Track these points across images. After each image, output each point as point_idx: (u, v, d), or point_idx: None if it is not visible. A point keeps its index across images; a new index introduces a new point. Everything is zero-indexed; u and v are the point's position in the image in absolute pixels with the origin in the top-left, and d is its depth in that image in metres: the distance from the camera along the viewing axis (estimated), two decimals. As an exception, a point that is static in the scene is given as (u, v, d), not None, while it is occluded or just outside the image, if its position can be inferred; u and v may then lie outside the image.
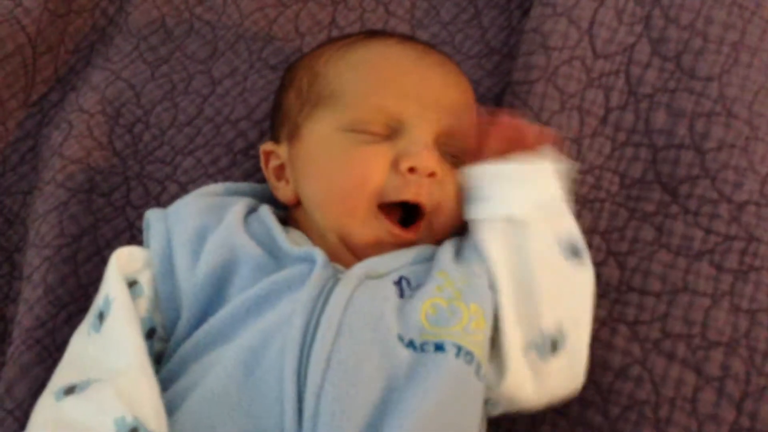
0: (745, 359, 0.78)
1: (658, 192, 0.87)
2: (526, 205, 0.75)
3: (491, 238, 0.74)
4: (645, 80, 0.92)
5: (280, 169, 0.85)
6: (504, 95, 0.98)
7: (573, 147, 0.91)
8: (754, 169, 0.84)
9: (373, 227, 0.76)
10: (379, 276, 0.73)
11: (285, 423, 0.64)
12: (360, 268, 0.72)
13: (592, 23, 0.95)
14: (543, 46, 0.95)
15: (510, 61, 1.05)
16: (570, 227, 0.77)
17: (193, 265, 0.75)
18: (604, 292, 0.84)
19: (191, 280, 0.74)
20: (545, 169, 0.77)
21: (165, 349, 0.75)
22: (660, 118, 0.90)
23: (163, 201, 0.98)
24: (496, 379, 0.72)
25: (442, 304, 0.70)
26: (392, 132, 0.77)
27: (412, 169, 0.75)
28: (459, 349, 0.68)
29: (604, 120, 0.92)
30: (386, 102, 0.78)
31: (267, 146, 0.87)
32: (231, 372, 0.66)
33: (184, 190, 0.98)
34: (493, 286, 0.73)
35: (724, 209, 0.83)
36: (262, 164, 0.87)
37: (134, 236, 0.96)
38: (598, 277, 0.85)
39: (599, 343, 0.81)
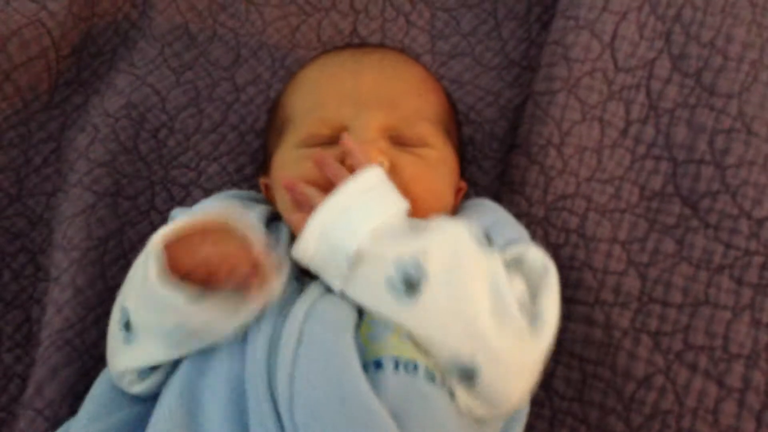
0: (765, 372, 0.80)
1: (678, 205, 0.89)
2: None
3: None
4: (665, 95, 0.94)
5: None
6: (525, 106, 1.00)
7: (593, 156, 0.93)
8: (773, 186, 0.86)
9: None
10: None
11: None
12: (318, 286, 0.72)
13: (614, 37, 0.97)
14: (565, 58, 0.97)
15: (530, 73, 1.07)
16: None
17: None
18: (625, 301, 0.86)
19: None
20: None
21: None
22: (680, 133, 0.91)
23: (187, 206, 0.99)
24: None
25: (376, 318, 0.70)
26: (337, 136, 0.79)
27: (351, 168, 0.74)
28: (396, 362, 0.67)
29: (624, 132, 0.94)
30: (326, 113, 0.81)
31: (263, 179, 0.91)
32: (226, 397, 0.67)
33: (208, 195, 0.99)
34: None
35: (744, 225, 0.85)
36: (265, 195, 0.90)
37: (159, 240, 0.97)
38: (619, 286, 0.87)
39: (623, 352, 0.83)
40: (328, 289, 0.71)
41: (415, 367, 0.66)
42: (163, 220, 0.97)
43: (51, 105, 1.09)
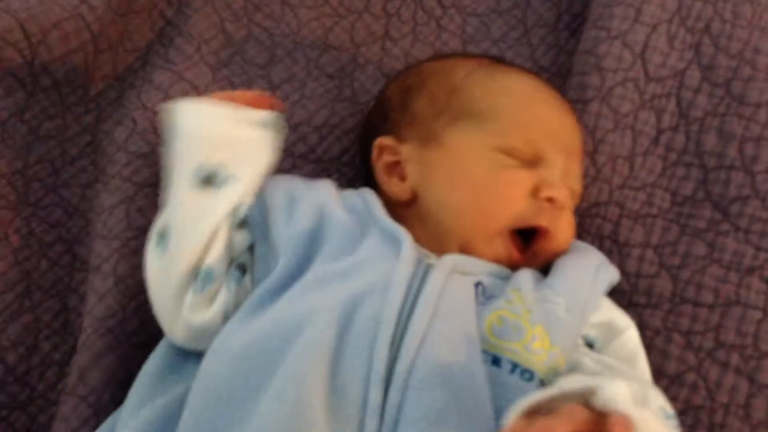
0: (794, 369, 0.83)
1: (709, 210, 0.92)
2: None
3: None
4: (695, 104, 0.97)
5: (394, 166, 0.88)
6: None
7: (626, 164, 0.96)
8: (801, 192, 0.90)
9: (497, 247, 0.81)
10: (464, 274, 0.77)
11: (370, 390, 0.66)
12: (450, 261, 0.76)
13: (645, 48, 1.00)
14: (597, 68, 1.00)
15: (559, 80, 1.09)
16: None
17: (287, 223, 0.80)
18: (657, 302, 0.88)
19: (287, 234, 0.79)
20: None
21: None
22: (710, 141, 0.95)
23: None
24: None
25: (509, 317, 0.73)
26: (532, 162, 0.83)
27: (550, 199, 0.81)
28: (515, 366, 0.70)
29: (656, 140, 0.97)
30: (536, 137, 0.84)
31: (385, 140, 0.89)
32: (324, 330, 0.68)
33: (244, 189, 1.00)
34: (575, 317, 0.76)
35: (773, 228, 0.88)
36: (374, 156, 0.89)
37: (196, 231, 0.99)
38: (651, 288, 0.90)
39: (655, 350, 0.86)
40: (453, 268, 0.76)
41: (531, 377, 0.70)
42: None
43: (87, 98, 1.11)
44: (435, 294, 0.72)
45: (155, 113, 1.05)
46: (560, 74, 1.10)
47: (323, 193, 0.84)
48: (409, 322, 0.69)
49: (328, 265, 0.76)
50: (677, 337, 0.86)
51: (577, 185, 0.88)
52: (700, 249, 0.90)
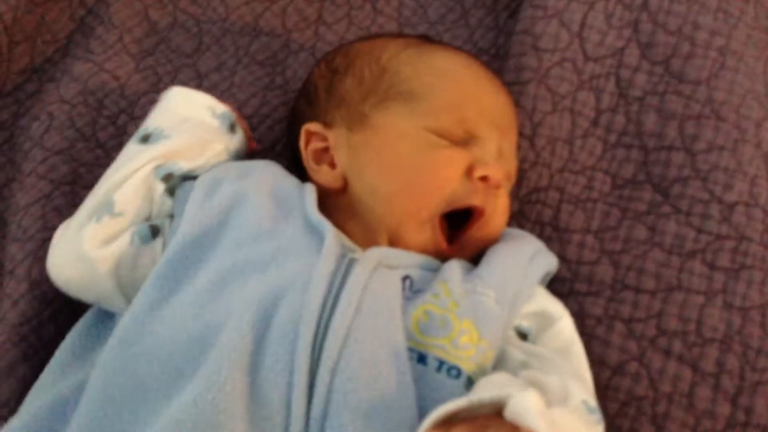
0: (739, 355, 0.80)
1: (650, 192, 0.89)
2: None
3: None
4: (635, 83, 0.94)
5: (322, 153, 0.83)
6: (494, 95, 0.99)
7: (565, 147, 0.93)
8: (742, 171, 0.87)
9: (425, 235, 0.77)
10: (390, 268, 0.73)
11: (293, 395, 0.63)
12: (376, 254, 0.73)
13: (582, 26, 0.96)
14: (534, 48, 0.96)
15: (498, 62, 1.05)
16: None
17: (201, 204, 0.76)
18: (598, 290, 0.85)
19: (192, 213, 0.75)
20: None
21: None
22: (650, 121, 0.92)
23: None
24: None
25: (435, 312, 0.70)
26: (465, 142, 0.80)
27: (484, 178, 0.77)
28: (441, 363, 0.68)
29: (595, 122, 0.94)
30: (468, 116, 0.80)
31: (313, 126, 0.84)
32: (241, 332, 0.65)
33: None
34: (504, 308, 0.73)
35: (715, 209, 0.86)
36: (302, 144, 0.84)
37: (119, 231, 0.94)
38: (592, 275, 0.87)
39: (596, 340, 0.83)
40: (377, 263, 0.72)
41: (458, 374, 0.67)
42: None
43: (3, 93, 1.05)
44: (357, 290, 0.68)
45: (73, 106, 1.00)
46: (499, 56, 1.06)
47: (254, 181, 0.79)
48: (331, 322, 0.66)
49: (238, 251, 0.71)
50: (619, 326, 0.83)
51: (511, 166, 0.84)
52: (641, 233, 0.87)
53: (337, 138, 0.83)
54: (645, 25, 0.96)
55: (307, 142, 0.85)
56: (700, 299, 0.83)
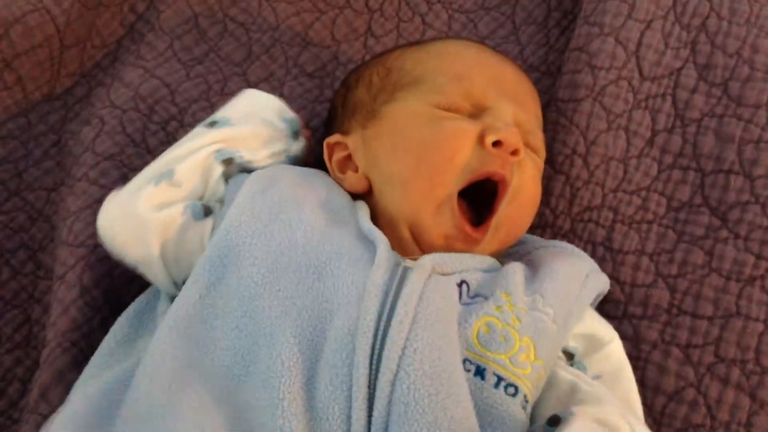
0: (798, 385, 0.79)
1: (707, 216, 0.88)
2: None
3: None
4: (692, 105, 0.93)
5: (345, 161, 0.84)
6: (547, 113, 0.98)
7: (620, 167, 0.92)
8: (803, 197, 0.86)
9: (444, 219, 0.75)
10: (444, 274, 0.72)
11: (353, 408, 0.62)
12: (429, 261, 0.72)
13: (639, 45, 0.96)
14: (589, 65, 0.96)
15: (548, 79, 1.05)
16: None
17: (250, 200, 0.75)
18: (654, 314, 0.84)
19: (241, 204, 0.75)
20: None
21: None
22: (708, 143, 0.90)
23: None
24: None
25: (497, 325, 0.69)
26: (476, 113, 0.79)
27: (497, 143, 0.75)
28: (499, 379, 0.67)
29: (650, 142, 0.93)
30: (472, 87, 0.80)
31: (333, 138, 0.85)
32: (294, 345, 0.65)
33: (218, 191, 0.95)
34: (560, 327, 0.72)
35: (774, 236, 0.84)
36: (326, 158, 0.85)
37: (167, 237, 0.93)
38: (647, 298, 0.85)
39: (652, 365, 0.82)
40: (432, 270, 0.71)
41: (516, 392, 0.66)
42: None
43: (53, 96, 1.05)
44: (413, 300, 0.67)
45: (124, 112, 0.99)
46: (550, 73, 1.06)
47: (309, 187, 0.79)
48: (388, 333, 0.65)
49: (292, 249, 0.71)
50: (675, 351, 0.82)
51: (535, 138, 0.82)
52: (699, 257, 0.86)
53: (354, 141, 0.83)
54: (703, 46, 0.95)
55: (330, 155, 0.85)
56: (759, 327, 0.81)
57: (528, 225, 0.81)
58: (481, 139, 0.75)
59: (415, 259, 0.72)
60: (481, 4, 1.12)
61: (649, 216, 0.89)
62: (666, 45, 0.96)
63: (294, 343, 0.65)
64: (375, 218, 0.78)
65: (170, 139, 0.99)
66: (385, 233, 0.75)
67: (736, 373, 0.80)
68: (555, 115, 0.96)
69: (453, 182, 0.75)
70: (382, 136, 0.80)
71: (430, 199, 0.75)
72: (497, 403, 0.66)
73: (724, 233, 0.86)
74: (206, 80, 1.04)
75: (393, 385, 0.63)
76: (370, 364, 0.64)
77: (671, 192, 0.90)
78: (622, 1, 0.97)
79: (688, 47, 0.95)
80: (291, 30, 1.09)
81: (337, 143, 0.85)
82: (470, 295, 0.72)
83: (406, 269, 0.70)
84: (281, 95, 1.03)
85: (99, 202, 0.92)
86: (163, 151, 0.98)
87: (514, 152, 0.76)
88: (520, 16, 1.11)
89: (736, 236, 0.86)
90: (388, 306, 0.67)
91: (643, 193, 0.91)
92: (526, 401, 0.68)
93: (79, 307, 0.86)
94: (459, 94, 0.79)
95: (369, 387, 0.63)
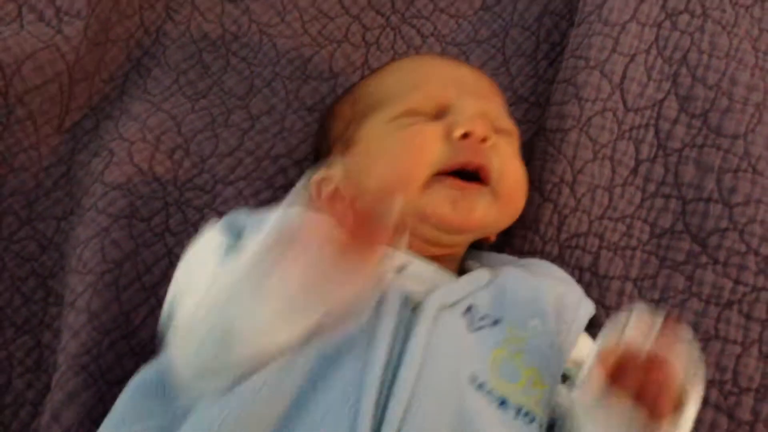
0: (774, 405, 0.83)
1: (688, 242, 0.91)
2: None
3: None
4: (673, 135, 0.97)
5: (335, 193, 0.86)
6: (535, 142, 1.02)
7: (605, 195, 0.96)
8: (779, 225, 0.90)
9: (437, 191, 0.78)
10: (451, 305, 0.74)
11: None
12: (434, 299, 0.73)
13: (623, 78, 1.00)
14: (576, 97, 1.00)
15: (537, 109, 1.09)
16: None
17: None
18: (637, 336, 0.88)
19: None
20: None
21: None
22: (689, 172, 0.94)
23: (201, 228, 0.99)
24: None
25: (507, 358, 0.72)
26: (440, 113, 0.83)
27: (465, 135, 0.79)
28: (518, 410, 0.69)
29: (634, 171, 0.97)
30: (431, 90, 0.84)
31: (318, 175, 0.86)
32: (299, 386, 0.66)
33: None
34: (556, 345, 0.75)
35: (751, 261, 0.88)
36: (314, 196, 0.86)
37: (172, 262, 0.96)
38: (631, 322, 0.89)
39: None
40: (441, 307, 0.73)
41: (533, 419, 0.69)
42: (177, 243, 0.98)
43: (62, 129, 1.10)
44: (420, 352, 0.68)
45: (132, 143, 1.04)
46: (539, 104, 1.10)
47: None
48: (393, 388, 0.66)
49: None
50: (657, 372, 0.85)
51: (505, 124, 0.86)
52: (679, 282, 0.90)
53: (337, 171, 0.85)
54: (684, 78, 0.99)
55: (318, 192, 0.85)
56: (737, 349, 0.85)
57: (523, 201, 0.85)
58: (448, 135, 0.79)
59: (419, 291, 0.74)
60: (472, 37, 1.17)
61: (633, 242, 0.93)
62: (649, 77, 1.00)
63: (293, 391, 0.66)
64: None
65: (176, 167, 1.03)
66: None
67: (714, 394, 0.84)
68: (543, 144, 1.00)
69: (425, 171, 0.78)
70: (357, 159, 0.84)
71: (409, 193, 0.77)
72: (519, 429, 0.69)
73: (703, 259, 0.90)
74: (210, 113, 1.09)
75: None
76: (374, 416, 0.65)
77: (654, 219, 0.94)
78: (606, 36, 1.02)
79: (670, 80, 1.00)
80: (291, 64, 1.14)
81: (321, 179, 0.86)
82: (480, 318, 0.75)
83: (412, 313, 0.72)
84: (283, 128, 1.08)
85: (107, 230, 0.97)
86: (168, 179, 1.03)
87: (484, 140, 0.80)
88: (510, 48, 1.15)
89: (715, 262, 0.89)
90: (395, 355, 0.68)
91: (628, 220, 0.95)
92: (541, 426, 0.71)
93: (88, 332, 0.90)
94: (420, 99, 0.83)
95: None
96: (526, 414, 0.69)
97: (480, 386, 0.69)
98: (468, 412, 0.66)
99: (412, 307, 0.73)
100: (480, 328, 0.73)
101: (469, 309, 0.75)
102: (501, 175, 0.81)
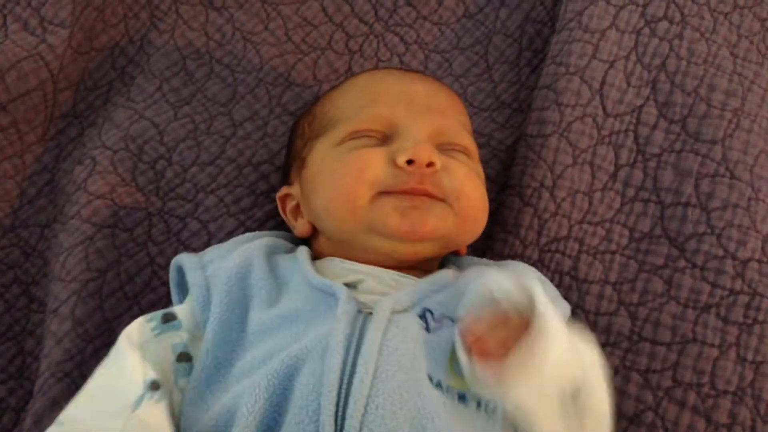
0: (750, 408, 0.83)
1: (666, 246, 0.92)
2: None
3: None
4: (652, 140, 0.98)
5: (296, 209, 0.90)
6: (517, 148, 1.03)
7: (585, 199, 0.97)
8: (756, 229, 0.90)
9: (384, 203, 0.78)
10: (405, 309, 0.75)
11: None
12: (386, 304, 0.74)
13: (602, 84, 1.01)
14: (556, 103, 1.01)
15: (520, 115, 1.10)
16: None
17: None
18: (616, 341, 0.89)
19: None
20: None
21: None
22: (667, 177, 0.95)
23: (183, 237, 1.00)
24: None
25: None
26: (386, 140, 0.83)
27: (410, 162, 0.78)
28: (479, 402, 0.70)
29: (614, 176, 0.98)
30: (378, 110, 0.84)
31: (282, 191, 0.93)
32: (260, 401, 0.68)
33: (204, 227, 1.00)
34: None
35: (729, 265, 0.89)
36: (281, 211, 0.93)
37: (155, 272, 0.98)
38: (610, 326, 0.90)
39: (613, 390, 0.85)
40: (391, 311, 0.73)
41: (495, 410, 0.69)
42: (160, 252, 0.99)
43: (46, 137, 1.10)
44: (373, 355, 0.69)
45: (115, 152, 1.04)
46: (521, 110, 1.11)
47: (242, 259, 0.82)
48: (351, 391, 0.67)
49: (257, 331, 0.75)
50: (635, 376, 0.86)
51: (462, 140, 0.85)
52: (658, 286, 0.91)
53: (296, 191, 0.90)
54: (663, 84, 1.00)
55: (283, 207, 0.92)
56: (714, 352, 0.86)
57: (482, 218, 0.84)
58: (392, 161, 0.79)
59: (375, 300, 0.75)
60: (455, 45, 1.18)
61: (613, 246, 0.94)
62: (628, 84, 1.01)
63: (254, 401, 0.68)
64: (333, 254, 0.83)
65: (158, 177, 1.04)
66: (354, 256, 0.80)
67: (692, 397, 0.84)
68: (524, 149, 1.01)
69: (369, 189, 0.79)
70: (308, 182, 0.86)
71: (354, 210, 0.79)
72: (482, 422, 0.69)
73: (682, 263, 0.91)
74: (193, 120, 1.09)
75: None
76: (335, 421, 0.66)
77: (633, 223, 0.95)
78: (586, 42, 1.03)
79: (649, 86, 1.00)
80: (274, 71, 1.15)
81: (286, 195, 0.91)
82: (437, 319, 0.75)
83: (366, 318, 0.72)
84: (265, 134, 1.08)
85: (91, 239, 0.97)
86: (150, 189, 1.03)
87: (429, 165, 0.79)
88: (493, 55, 1.16)
89: (693, 266, 0.90)
90: (351, 359, 0.69)
91: (607, 225, 0.96)
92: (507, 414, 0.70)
93: (71, 339, 0.90)
94: (368, 120, 0.83)
95: None
96: (487, 405, 0.70)
97: (438, 385, 0.70)
98: (427, 411, 0.67)
99: (366, 314, 0.73)
100: (438, 328, 0.74)
101: (424, 313, 0.75)
102: (457, 195, 0.80)
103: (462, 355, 0.67)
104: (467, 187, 0.81)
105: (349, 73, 1.16)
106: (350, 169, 0.80)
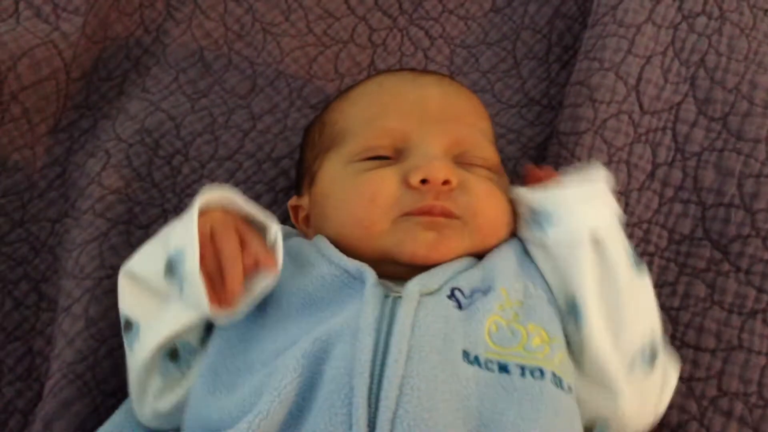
0: (802, 419, 0.79)
1: (709, 249, 0.88)
2: (603, 222, 0.75)
3: (576, 262, 0.73)
4: (692, 138, 0.94)
5: (306, 219, 0.86)
6: (549, 145, 0.99)
7: (621, 200, 0.93)
8: (803, 231, 0.87)
9: (403, 228, 0.75)
10: (432, 292, 0.72)
11: None
12: (414, 286, 0.71)
13: (639, 80, 0.97)
14: (590, 99, 0.97)
15: (550, 112, 1.06)
16: (626, 238, 0.78)
17: None
18: (657, 346, 0.84)
19: None
20: (602, 187, 0.78)
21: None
22: (708, 177, 0.91)
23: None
24: (610, 405, 0.72)
25: (503, 323, 0.70)
26: (399, 154, 0.78)
27: (424, 181, 0.74)
28: (523, 369, 0.67)
29: (651, 175, 0.94)
30: (389, 123, 0.79)
31: (292, 201, 0.89)
32: (289, 385, 0.65)
33: (223, 225, 0.96)
34: (553, 302, 0.74)
35: (775, 269, 0.85)
36: (292, 219, 0.88)
37: (171, 271, 0.94)
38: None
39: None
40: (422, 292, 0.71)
41: (542, 374, 0.67)
42: (176, 250, 0.94)
43: (58, 128, 1.06)
44: (406, 335, 0.66)
45: (130, 145, 1.00)
46: (551, 106, 1.07)
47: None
48: (384, 372, 0.65)
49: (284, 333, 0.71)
50: (678, 384, 0.82)
51: (481, 152, 0.81)
52: (700, 290, 0.87)
53: (306, 204, 0.85)
54: (702, 81, 0.96)
55: (295, 216, 0.88)
56: (762, 360, 0.82)
57: (503, 232, 0.79)
58: (406, 181, 0.75)
59: (402, 285, 0.72)
60: (482, 39, 1.14)
61: (651, 248, 0.90)
62: (665, 80, 0.97)
63: (283, 384, 0.65)
64: None
65: (174, 173, 1.00)
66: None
67: (739, 407, 0.80)
68: (557, 148, 0.97)
69: (385, 215, 0.75)
70: (317, 202, 0.82)
71: (370, 236, 0.75)
72: (529, 388, 0.66)
73: (725, 266, 0.87)
74: (211, 113, 1.05)
75: (392, 423, 0.63)
76: (368, 404, 0.63)
77: (673, 225, 0.91)
78: (621, 37, 0.99)
79: (688, 82, 0.97)
80: (295, 63, 1.11)
81: (297, 205, 0.87)
82: (468, 296, 0.72)
83: (395, 300, 0.70)
84: (285, 127, 1.05)
85: (105, 235, 0.93)
86: (167, 185, 1.00)
87: (445, 183, 0.75)
88: (521, 51, 1.12)
89: (738, 269, 0.86)
90: (382, 341, 0.67)
91: (645, 226, 0.92)
92: (558, 378, 0.68)
93: (84, 339, 0.86)
94: (377, 136, 0.79)
95: (369, 426, 0.63)
96: (533, 371, 0.67)
97: (474, 360, 0.67)
98: (465, 388, 0.65)
99: (394, 297, 0.70)
100: (470, 303, 0.71)
101: (453, 292, 0.72)
102: (474, 213, 0.76)
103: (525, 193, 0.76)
104: (485, 204, 0.77)
105: (372, 68, 1.12)
106: (362, 194, 0.76)
